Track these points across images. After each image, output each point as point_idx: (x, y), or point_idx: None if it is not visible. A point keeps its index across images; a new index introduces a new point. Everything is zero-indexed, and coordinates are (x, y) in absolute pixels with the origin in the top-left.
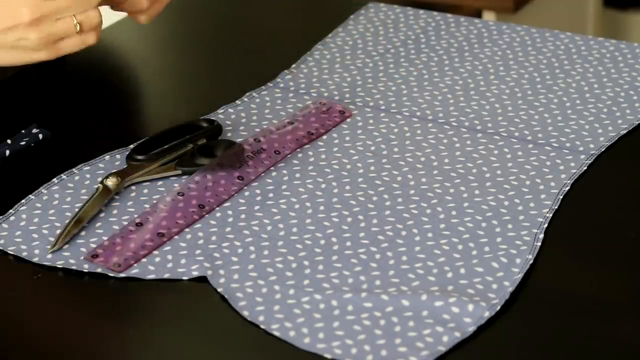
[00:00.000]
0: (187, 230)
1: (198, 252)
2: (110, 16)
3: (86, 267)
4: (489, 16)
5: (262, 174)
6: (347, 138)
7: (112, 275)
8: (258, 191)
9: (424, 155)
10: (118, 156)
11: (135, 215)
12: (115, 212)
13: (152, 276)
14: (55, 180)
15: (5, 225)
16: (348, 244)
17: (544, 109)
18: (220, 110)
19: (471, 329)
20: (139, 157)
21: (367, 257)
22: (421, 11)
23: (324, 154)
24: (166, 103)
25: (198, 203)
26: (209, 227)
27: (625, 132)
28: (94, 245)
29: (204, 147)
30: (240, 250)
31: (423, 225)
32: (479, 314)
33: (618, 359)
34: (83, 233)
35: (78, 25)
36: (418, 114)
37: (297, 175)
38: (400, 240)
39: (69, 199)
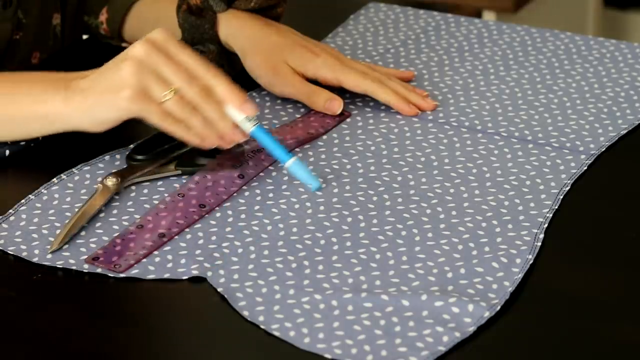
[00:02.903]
0: (187, 230)
1: (198, 252)
2: None
3: (86, 267)
4: (489, 16)
5: (262, 174)
6: (347, 138)
7: (112, 275)
8: (258, 191)
9: (424, 155)
10: (118, 156)
11: (136, 216)
12: (115, 212)
13: (152, 276)
14: (55, 180)
15: (5, 225)
16: (348, 244)
17: (544, 109)
18: None
19: (471, 329)
20: (139, 157)
21: (367, 257)
22: (421, 11)
23: (324, 154)
24: None
25: (198, 203)
26: (209, 227)
27: (625, 132)
28: (94, 246)
29: None
30: (240, 250)
31: (423, 225)
32: (479, 314)
33: (618, 359)
34: (83, 233)
35: (172, 93)
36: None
37: None
38: (400, 240)
39: (69, 199)
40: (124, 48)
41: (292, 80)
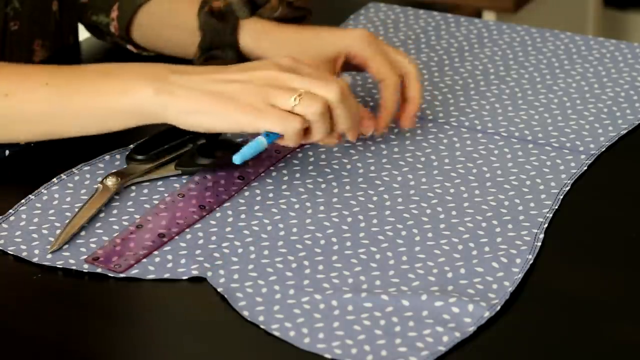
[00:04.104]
0: (187, 230)
1: (198, 252)
2: None
3: (86, 267)
4: (489, 16)
5: (262, 174)
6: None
7: (112, 275)
8: (258, 191)
9: (424, 155)
10: (118, 156)
11: (136, 216)
12: (115, 212)
13: (152, 276)
14: (55, 180)
15: (5, 225)
16: (348, 244)
17: (544, 109)
18: None
19: (471, 329)
20: (139, 157)
21: (367, 257)
22: (421, 11)
23: (323, 154)
24: None
25: (198, 203)
26: (209, 227)
27: (625, 132)
28: (93, 246)
29: (204, 147)
30: (240, 250)
31: (423, 225)
32: (479, 314)
33: (618, 359)
34: (83, 233)
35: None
36: (418, 113)
37: (297, 175)
38: (400, 240)
39: (68, 199)
40: (124, 48)
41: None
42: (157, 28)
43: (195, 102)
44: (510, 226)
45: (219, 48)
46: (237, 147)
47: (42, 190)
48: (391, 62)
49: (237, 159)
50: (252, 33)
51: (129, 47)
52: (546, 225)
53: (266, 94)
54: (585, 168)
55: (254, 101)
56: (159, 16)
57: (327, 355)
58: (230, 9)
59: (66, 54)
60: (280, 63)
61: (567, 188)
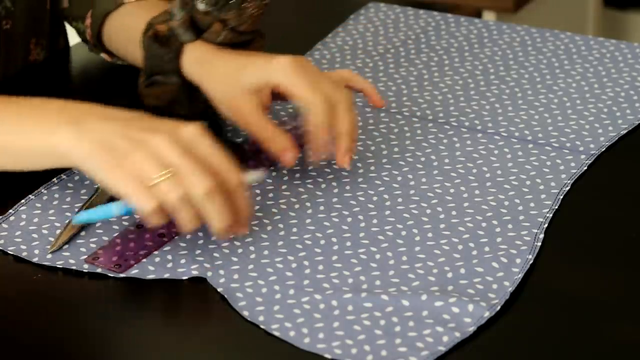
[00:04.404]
0: None
1: (198, 252)
2: None
3: (86, 267)
4: (489, 16)
5: None
6: None
7: (112, 275)
8: (258, 191)
9: (424, 155)
10: None
11: (136, 216)
12: None
13: (152, 276)
14: (55, 180)
15: (5, 225)
16: (348, 244)
17: (544, 109)
18: None
19: (471, 329)
20: None
21: (367, 257)
22: (421, 11)
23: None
24: None
25: None
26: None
27: (625, 132)
28: (94, 246)
29: None
30: (240, 250)
31: (423, 225)
32: (479, 314)
33: (618, 359)
34: (83, 233)
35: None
36: (418, 114)
37: (297, 175)
38: (400, 240)
39: (68, 199)
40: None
41: (249, 120)
42: (118, 38)
43: (92, 150)
44: (510, 226)
45: (161, 74)
46: (236, 146)
47: (42, 190)
48: (320, 87)
49: (78, 219)
50: (193, 59)
51: (103, 55)
52: (546, 225)
53: (142, 164)
54: (585, 168)
55: (130, 168)
56: (120, 27)
57: (327, 355)
58: (174, 32)
59: (58, 57)
60: (181, 135)
61: (567, 188)
